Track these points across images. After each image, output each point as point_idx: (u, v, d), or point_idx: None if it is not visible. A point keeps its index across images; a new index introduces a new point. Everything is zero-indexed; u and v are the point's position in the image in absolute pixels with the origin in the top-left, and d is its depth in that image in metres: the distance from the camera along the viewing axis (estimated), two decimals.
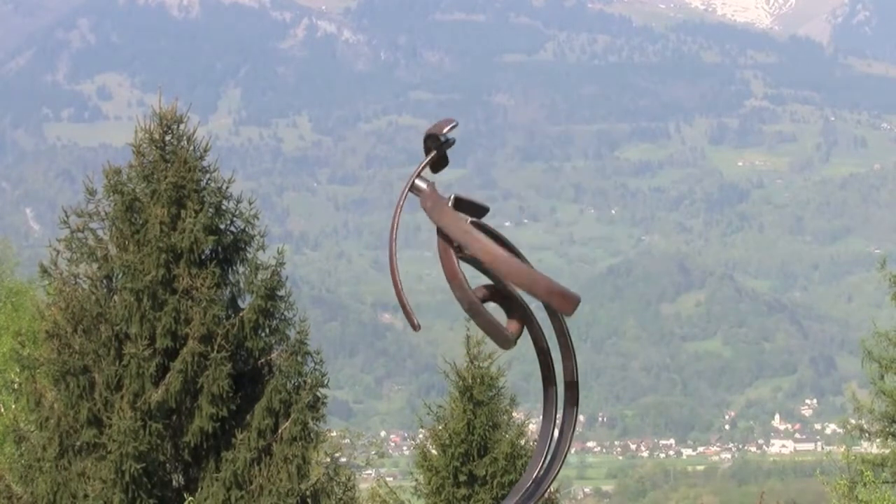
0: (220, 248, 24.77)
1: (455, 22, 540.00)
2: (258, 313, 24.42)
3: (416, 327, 5.75)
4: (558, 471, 5.92)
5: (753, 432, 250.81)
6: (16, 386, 27.43)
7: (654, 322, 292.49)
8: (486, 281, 5.83)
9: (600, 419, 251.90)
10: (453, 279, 5.57)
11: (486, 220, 5.90)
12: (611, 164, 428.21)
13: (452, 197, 5.66)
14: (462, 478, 27.87)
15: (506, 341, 5.66)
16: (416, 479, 28.71)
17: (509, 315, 5.72)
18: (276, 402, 24.03)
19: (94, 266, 24.32)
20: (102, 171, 24.77)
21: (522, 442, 28.41)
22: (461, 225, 5.56)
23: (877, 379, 36.27)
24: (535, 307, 5.97)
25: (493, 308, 5.78)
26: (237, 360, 24.31)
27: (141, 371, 23.53)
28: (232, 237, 24.90)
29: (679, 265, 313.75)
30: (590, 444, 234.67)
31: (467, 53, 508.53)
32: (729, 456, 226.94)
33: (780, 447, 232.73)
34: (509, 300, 5.73)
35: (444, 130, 5.69)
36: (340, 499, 25.33)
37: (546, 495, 6.03)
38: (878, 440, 36.74)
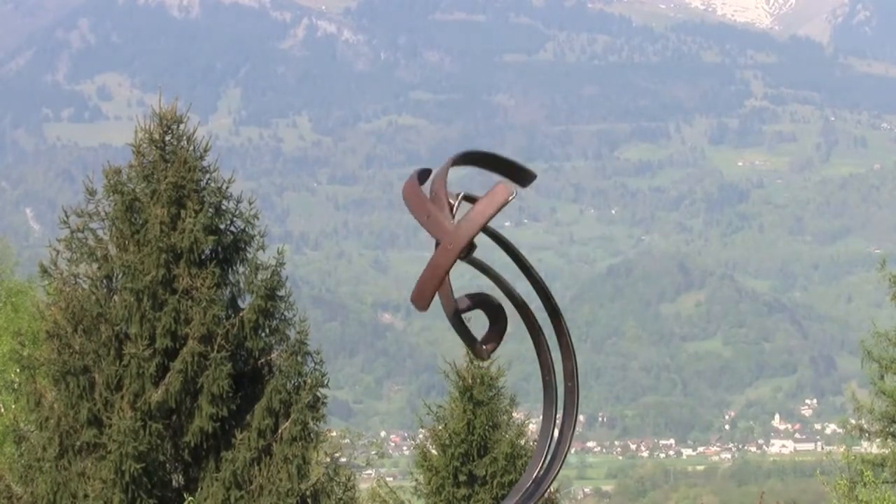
0: (220, 248, 24.77)
1: (455, 22, 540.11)
2: (258, 313, 24.42)
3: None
4: (558, 471, 5.92)
5: (753, 432, 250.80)
6: (16, 386, 27.43)
7: (654, 322, 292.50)
8: (474, 288, 5.85)
9: (600, 419, 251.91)
10: (440, 289, 5.59)
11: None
12: (611, 164, 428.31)
13: (461, 196, 5.65)
14: (462, 478, 27.87)
15: (478, 355, 5.72)
16: (416, 479, 28.72)
17: (491, 325, 5.74)
18: (276, 402, 24.03)
19: (94, 266, 24.32)
20: (102, 171, 24.77)
21: (522, 442, 28.41)
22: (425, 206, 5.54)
23: (877, 379, 36.28)
24: (536, 307, 5.97)
25: (481, 314, 5.80)
26: (237, 360, 24.31)
27: (141, 371, 23.54)
28: (232, 237, 24.90)
29: (679, 265, 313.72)
30: (590, 444, 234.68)
31: (467, 53, 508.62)
32: (729, 456, 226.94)
33: (780, 447, 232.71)
34: (495, 311, 5.74)
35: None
36: (340, 499, 25.33)
37: (546, 495, 6.03)
38: (878, 440, 36.74)
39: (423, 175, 5.69)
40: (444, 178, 5.57)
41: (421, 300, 5.43)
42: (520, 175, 5.80)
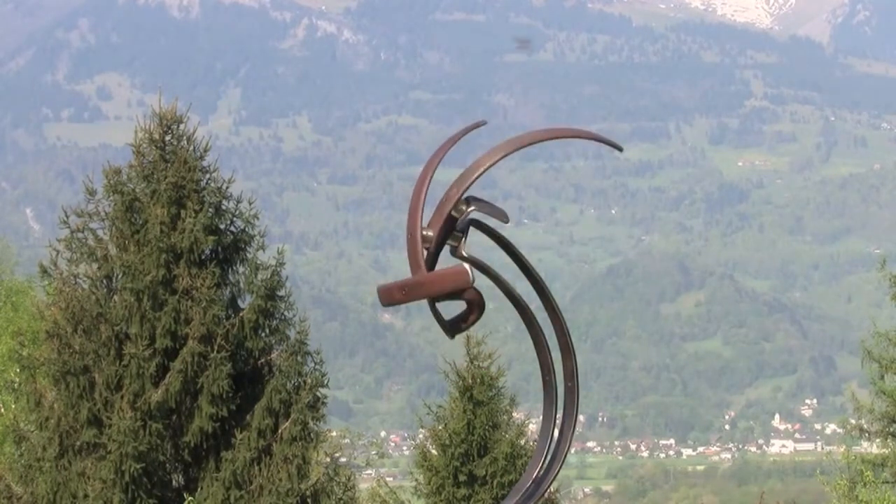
0: (220, 248, 24.78)
1: (455, 22, 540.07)
2: (258, 313, 24.42)
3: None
4: (558, 471, 5.92)
5: (753, 432, 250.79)
6: (16, 386, 27.44)
7: (654, 322, 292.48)
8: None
9: (600, 419, 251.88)
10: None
11: (486, 219, 5.89)
12: (611, 164, 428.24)
13: (471, 209, 5.65)
14: (462, 478, 27.87)
15: (447, 334, 5.83)
16: (416, 479, 28.71)
17: (467, 312, 5.80)
18: (276, 402, 24.04)
19: (94, 266, 24.33)
20: (102, 171, 24.78)
21: (522, 442, 28.40)
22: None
23: (877, 379, 36.30)
24: (536, 307, 5.97)
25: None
26: (237, 360, 24.31)
27: (141, 371, 23.53)
28: (232, 237, 24.90)
29: (679, 265, 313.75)
30: (590, 444, 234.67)
31: (467, 53, 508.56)
32: (729, 456, 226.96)
33: (780, 447, 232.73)
34: (470, 305, 5.77)
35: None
36: (340, 499, 25.33)
37: (546, 495, 6.03)
38: (878, 440, 36.77)
39: (466, 131, 5.73)
40: (463, 184, 5.58)
41: (382, 302, 5.70)
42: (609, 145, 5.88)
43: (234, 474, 23.70)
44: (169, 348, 23.91)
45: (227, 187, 25.15)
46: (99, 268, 24.31)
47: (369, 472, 65.07)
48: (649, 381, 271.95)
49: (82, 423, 23.56)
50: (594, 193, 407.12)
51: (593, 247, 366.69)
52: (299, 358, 24.62)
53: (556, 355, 5.98)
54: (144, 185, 24.58)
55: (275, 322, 24.74)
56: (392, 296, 5.62)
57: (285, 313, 24.87)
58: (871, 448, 37.86)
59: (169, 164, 24.59)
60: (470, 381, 28.18)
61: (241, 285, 24.77)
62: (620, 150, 5.90)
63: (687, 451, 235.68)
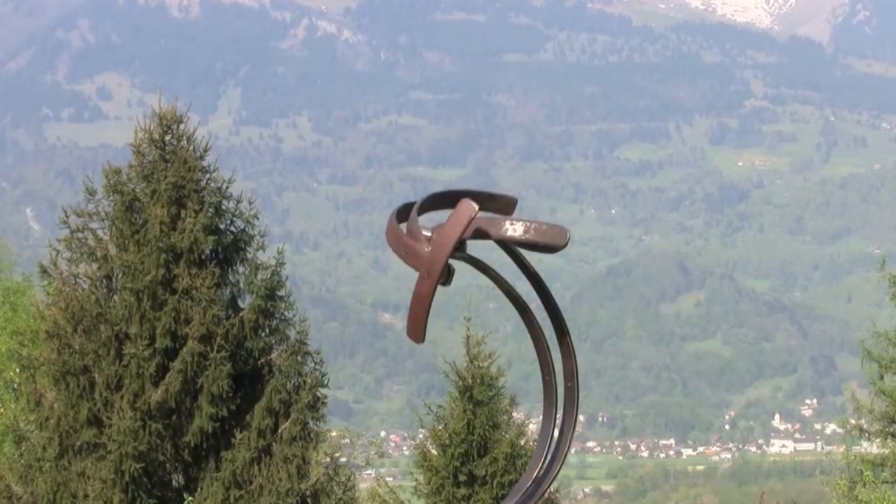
0: (220, 248, 24.76)
1: (455, 22, 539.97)
2: (258, 313, 24.41)
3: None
4: (558, 471, 5.92)
5: (753, 432, 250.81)
6: (16, 386, 27.44)
7: (654, 322, 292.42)
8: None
9: (600, 419, 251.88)
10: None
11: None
12: (611, 164, 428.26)
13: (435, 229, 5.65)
14: (462, 478, 27.85)
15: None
16: (416, 479, 28.68)
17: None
18: (276, 402, 24.03)
19: (94, 266, 24.32)
20: (102, 171, 24.77)
21: (522, 442, 28.38)
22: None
23: (876, 379, 36.31)
24: (536, 307, 5.96)
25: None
26: (237, 360, 24.30)
27: (141, 371, 23.53)
28: (232, 237, 24.89)
29: (679, 265, 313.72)
30: (590, 444, 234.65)
31: (467, 53, 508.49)
32: (729, 456, 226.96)
33: (780, 447, 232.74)
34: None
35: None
36: (340, 499, 25.33)
37: (546, 495, 6.03)
38: (877, 440, 36.77)
39: (405, 210, 5.69)
40: (415, 218, 5.57)
41: (416, 334, 5.55)
42: (499, 204, 5.77)
43: (234, 474, 23.70)
44: (169, 348, 23.90)
45: (227, 187, 25.15)
46: (99, 268, 24.30)
47: (369, 472, 65.05)
48: (649, 381, 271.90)
49: (82, 423, 23.55)
50: (594, 193, 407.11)
51: (593, 247, 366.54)
52: (299, 358, 24.61)
53: (556, 355, 5.98)
54: (144, 185, 24.57)
55: (275, 322, 24.73)
56: (420, 296, 5.50)
57: (285, 313, 24.87)
58: (871, 448, 37.87)
59: (169, 164, 24.59)
60: (470, 381, 28.15)
61: (241, 285, 24.77)
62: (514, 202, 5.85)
63: (687, 451, 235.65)
